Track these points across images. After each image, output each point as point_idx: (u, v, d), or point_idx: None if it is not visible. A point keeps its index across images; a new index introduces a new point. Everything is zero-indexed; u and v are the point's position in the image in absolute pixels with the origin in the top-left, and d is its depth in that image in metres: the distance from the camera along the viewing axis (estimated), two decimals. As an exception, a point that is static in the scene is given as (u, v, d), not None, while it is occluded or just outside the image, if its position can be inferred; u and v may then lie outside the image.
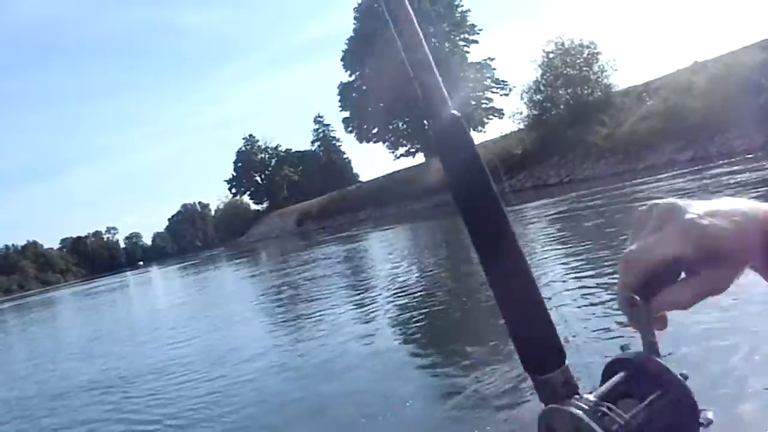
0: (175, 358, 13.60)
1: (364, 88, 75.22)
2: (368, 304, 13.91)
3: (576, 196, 27.16)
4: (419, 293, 13.89)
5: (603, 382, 0.64)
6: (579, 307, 8.88)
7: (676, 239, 0.62)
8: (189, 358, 13.17)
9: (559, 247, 15.06)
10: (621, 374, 0.63)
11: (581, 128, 41.43)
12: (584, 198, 25.16)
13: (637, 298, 0.63)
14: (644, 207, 0.69)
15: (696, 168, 23.67)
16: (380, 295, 14.94)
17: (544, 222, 21.99)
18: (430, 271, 17.34)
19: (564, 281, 10.88)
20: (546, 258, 13.49)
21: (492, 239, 0.66)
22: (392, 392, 7.43)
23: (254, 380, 10.04)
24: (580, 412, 0.59)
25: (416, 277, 16.67)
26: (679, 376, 0.62)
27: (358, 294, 15.99)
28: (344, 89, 78.23)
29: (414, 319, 11.33)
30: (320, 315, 14.12)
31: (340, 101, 77.77)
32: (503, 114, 69.35)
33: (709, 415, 0.61)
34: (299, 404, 8.15)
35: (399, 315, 12.10)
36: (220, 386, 10.10)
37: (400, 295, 13.95)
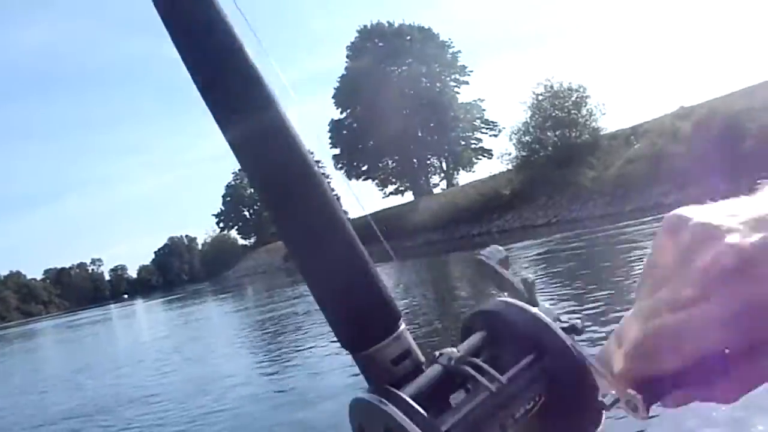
0: (157, 388, 13.47)
1: (355, 125, 75.80)
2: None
3: (561, 237, 27.30)
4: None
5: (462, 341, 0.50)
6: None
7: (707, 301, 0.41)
8: (170, 388, 13.09)
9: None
10: (480, 334, 0.50)
11: (569, 170, 41.80)
12: (569, 240, 25.27)
13: (639, 397, 0.42)
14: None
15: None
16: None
17: (525, 262, 22.03)
18: (414, 306, 17.26)
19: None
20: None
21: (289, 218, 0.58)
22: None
23: (233, 409, 10.14)
24: (394, 409, 0.44)
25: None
26: (562, 334, 0.46)
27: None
28: (335, 126, 78.75)
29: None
30: (300, 349, 14.06)
31: (330, 138, 78.28)
32: (492, 154, 70.01)
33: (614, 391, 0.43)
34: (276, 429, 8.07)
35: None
36: (199, 414, 10.14)
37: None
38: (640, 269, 0.48)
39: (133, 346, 28.44)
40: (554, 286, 14.97)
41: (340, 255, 0.57)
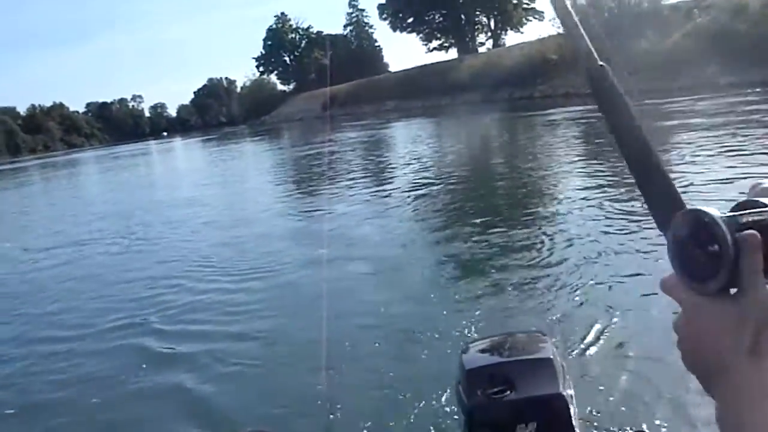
0: (188, 209, 14.33)
1: (404, -26, 72.82)
2: (384, 188, 14.20)
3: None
4: (434, 183, 14.05)
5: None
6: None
7: None
8: (202, 208, 14.00)
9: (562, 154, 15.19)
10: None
11: (622, 39, 40.15)
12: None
13: None
14: None
15: (736, 94, 22.94)
16: (396, 179, 15.25)
17: (567, 127, 21.95)
18: (449, 166, 17.46)
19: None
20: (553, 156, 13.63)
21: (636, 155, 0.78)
22: (403, 259, 7.76)
23: (262, 221, 10.78)
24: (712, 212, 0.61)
25: (434, 169, 16.85)
26: None
27: (375, 177, 16.20)
28: (382, -26, 75.80)
29: (426, 204, 11.53)
30: (329, 188, 14.60)
31: (377, -14, 75.48)
32: (543, 16, 67.08)
33: None
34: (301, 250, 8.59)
35: (412, 200, 12.29)
36: (231, 236, 10.82)
37: (414, 183, 14.08)
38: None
39: (172, 174, 29.59)
40: (592, 153, 15.06)
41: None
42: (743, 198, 0.66)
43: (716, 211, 0.61)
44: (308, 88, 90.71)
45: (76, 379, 5.41)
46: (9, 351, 6.53)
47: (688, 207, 0.65)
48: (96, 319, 7.13)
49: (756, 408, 0.54)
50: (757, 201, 0.65)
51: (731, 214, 0.62)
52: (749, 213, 0.62)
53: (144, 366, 5.49)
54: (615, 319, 4.70)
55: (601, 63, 0.80)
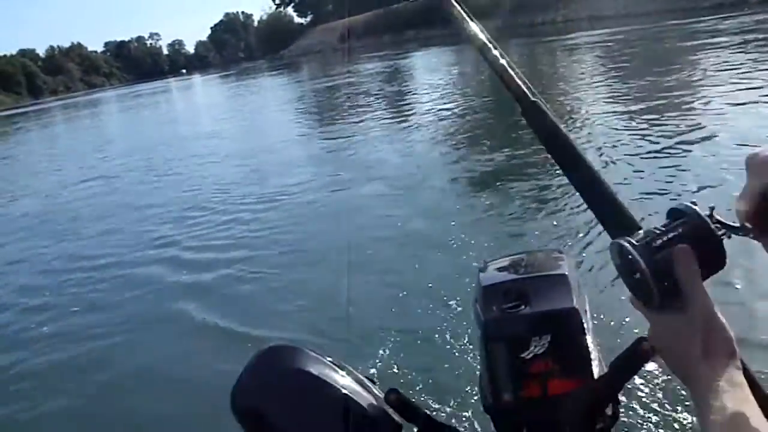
0: (211, 141, 14.60)
1: None
2: (403, 115, 14.26)
3: (629, 30, 26.15)
4: (452, 109, 13.98)
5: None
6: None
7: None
8: (224, 140, 14.29)
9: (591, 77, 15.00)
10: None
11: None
12: (634, 33, 24.32)
13: (749, 226, 0.69)
14: None
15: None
16: (415, 107, 15.28)
17: (589, 50, 21.57)
18: (467, 93, 17.35)
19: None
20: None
21: (571, 167, 0.90)
22: (423, 180, 7.86)
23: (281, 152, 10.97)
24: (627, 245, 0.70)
25: (452, 96, 16.79)
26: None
27: (394, 105, 16.20)
28: None
29: (445, 130, 11.49)
30: (347, 117, 14.70)
31: None
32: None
33: None
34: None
35: (431, 126, 12.29)
36: (255, 162, 11.13)
37: (432, 111, 14.00)
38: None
39: (192, 110, 29.74)
40: (614, 76, 14.91)
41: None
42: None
43: (631, 240, 0.70)
44: (325, 20, 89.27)
45: (114, 295, 5.67)
46: (51, 270, 6.94)
47: (616, 239, 0.74)
48: (131, 241, 7.52)
49: (714, 401, 0.62)
50: (688, 206, 0.72)
51: (645, 241, 0.70)
52: (661, 234, 0.70)
53: (173, 280, 5.79)
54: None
55: (533, 99, 0.89)
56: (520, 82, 0.88)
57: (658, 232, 0.70)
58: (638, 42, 20.41)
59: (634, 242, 0.68)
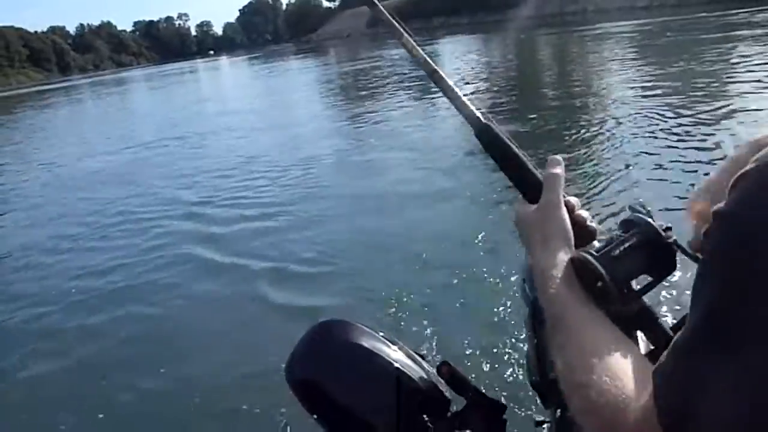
0: (239, 117, 14.84)
1: None
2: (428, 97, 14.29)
3: (661, 21, 25.81)
4: (478, 95, 14.00)
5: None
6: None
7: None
8: (253, 116, 14.59)
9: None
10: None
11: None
12: (668, 23, 24.02)
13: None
14: None
15: None
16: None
17: (618, 40, 21.34)
18: (496, 81, 17.32)
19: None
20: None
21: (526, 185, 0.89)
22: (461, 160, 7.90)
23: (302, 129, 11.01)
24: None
25: (477, 84, 16.77)
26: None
27: (420, 88, 16.22)
28: None
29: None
30: (373, 98, 14.77)
31: None
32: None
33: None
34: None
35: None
36: (286, 136, 11.22)
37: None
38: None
39: (219, 90, 29.99)
40: (643, 65, 14.83)
41: None
42: None
43: (592, 252, 0.77)
44: (354, 4, 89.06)
45: (168, 265, 5.67)
46: (86, 225, 7.23)
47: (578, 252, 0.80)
48: (162, 204, 7.72)
49: (543, 275, 0.78)
50: (636, 216, 0.80)
51: (603, 251, 0.77)
52: (614, 246, 0.77)
53: (198, 251, 5.88)
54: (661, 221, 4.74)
55: (485, 122, 0.91)
56: (472, 107, 0.92)
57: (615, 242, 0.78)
58: (671, 32, 20.20)
59: (593, 254, 0.77)
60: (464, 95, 0.90)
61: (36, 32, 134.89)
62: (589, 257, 0.75)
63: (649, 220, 0.78)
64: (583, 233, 0.83)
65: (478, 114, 0.91)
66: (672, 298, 3.03)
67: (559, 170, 0.83)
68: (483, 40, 35.46)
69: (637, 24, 25.98)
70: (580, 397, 0.65)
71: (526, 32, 35.29)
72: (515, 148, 0.89)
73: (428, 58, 0.95)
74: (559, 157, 0.85)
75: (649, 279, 0.78)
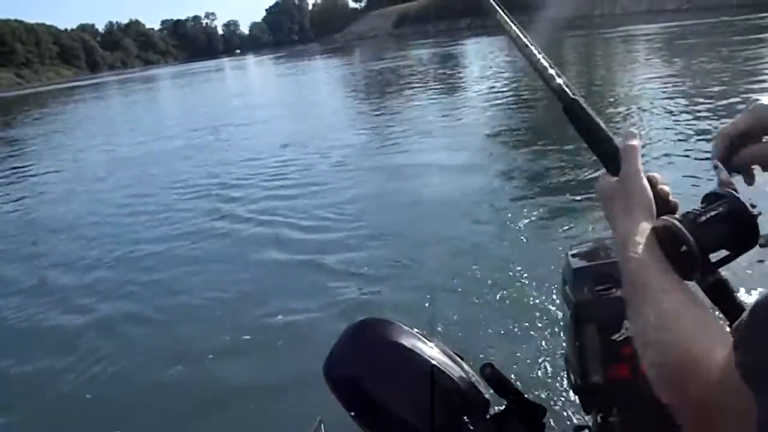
0: (267, 112, 15.01)
1: None
2: (456, 98, 14.28)
3: (691, 23, 25.55)
4: (505, 97, 13.92)
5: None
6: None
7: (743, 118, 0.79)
8: (281, 109, 14.82)
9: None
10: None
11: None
12: (696, 25, 23.75)
13: (717, 162, 0.79)
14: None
15: None
16: (468, 92, 15.31)
17: (647, 42, 21.15)
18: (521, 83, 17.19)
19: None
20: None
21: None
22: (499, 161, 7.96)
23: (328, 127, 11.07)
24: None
25: (504, 83, 16.71)
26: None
27: (446, 95, 16.16)
28: None
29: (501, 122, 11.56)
30: (398, 96, 14.80)
31: None
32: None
33: None
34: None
35: (480, 114, 12.32)
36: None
37: (484, 97, 13.94)
38: None
39: (249, 85, 30.30)
40: (670, 67, 14.70)
41: None
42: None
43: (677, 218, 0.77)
44: (379, 5, 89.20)
45: (210, 255, 5.81)
46: (122, 209, 7.70)
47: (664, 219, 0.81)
48: (196, 189, 8.19)
49: (626, 246, 0.78)
50: (722, 189, 0.79)
51: (688, 218, 0.76)
52: (699, 214, 0.76)
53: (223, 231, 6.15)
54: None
55: (573, 96, 0.89)
56: (560, 81, 0.92)
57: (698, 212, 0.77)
58: (700, 35, 19.98)
59: (678, 218, 0.77)
60: (553, 69, 0.91)
61: (66, 30, 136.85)
62: (675, 221, 0.75)
63: (735, 193, 0.77)
64: (665, 207, 0.83)
65: (567, 89, 0.91)
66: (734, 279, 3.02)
67: (635, 142, 0.84)
68: (508, 41, 35.23)
69: (670, 25, 25.67)
70: (655, 352, 0.67)
71: (553, 33, 35.01)
72: (601, 122, 0.90)
73: (521, 33, 0.94)
74: (634, 129, 0.87)
75: (725, 254, 0.77)
